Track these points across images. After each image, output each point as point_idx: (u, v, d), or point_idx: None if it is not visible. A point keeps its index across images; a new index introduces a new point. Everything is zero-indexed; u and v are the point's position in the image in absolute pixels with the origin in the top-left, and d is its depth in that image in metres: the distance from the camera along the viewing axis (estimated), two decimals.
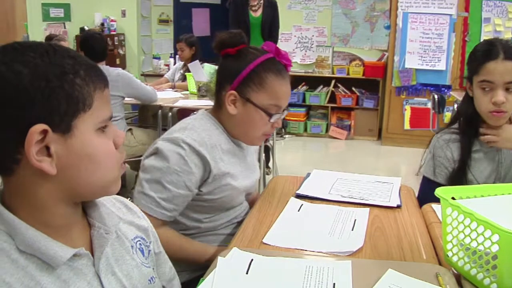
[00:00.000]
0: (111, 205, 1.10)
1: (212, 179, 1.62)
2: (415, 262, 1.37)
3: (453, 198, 1.27)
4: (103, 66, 3.85)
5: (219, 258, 1.30)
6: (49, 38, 5.85)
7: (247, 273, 1.25)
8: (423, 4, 6.57)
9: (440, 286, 1.19)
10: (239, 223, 1.74)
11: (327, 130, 7.37)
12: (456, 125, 1.98)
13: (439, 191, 1.27)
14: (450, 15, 6.52)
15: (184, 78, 5.30)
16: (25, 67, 0.82)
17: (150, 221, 1.21)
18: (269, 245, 1.44)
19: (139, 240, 1.12)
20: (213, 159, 1.61)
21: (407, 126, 6.87)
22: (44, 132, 0.83)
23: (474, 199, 1.33)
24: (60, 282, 0.88)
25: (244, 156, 1.79)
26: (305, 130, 7.42)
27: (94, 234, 1.00)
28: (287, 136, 7.34)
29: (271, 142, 5.18)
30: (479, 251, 1.17)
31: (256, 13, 5.44)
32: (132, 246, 1.08)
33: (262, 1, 5.46)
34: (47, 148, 0.85)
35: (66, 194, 0.91)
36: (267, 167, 5.03)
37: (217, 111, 1.71)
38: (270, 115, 1.63)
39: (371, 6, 7.23)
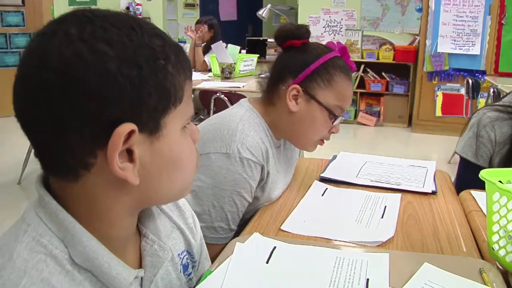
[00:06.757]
0: (164, 207, 0.92)
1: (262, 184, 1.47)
2: (455, 256, 1.20)
3: (500, 182, 1.09)
4: None
5: (236, 243, 1.14)
6: None
7: (267, 262, 1.09)
8: None
9: (486, 284, 1.02)
10: None
11: (355, 116, 7.15)
12: (507, 101, 1.74)
13: (484, 174, 1.10)
14: None
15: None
16: (111, 48, 0.64)
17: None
18: (288, 232, 1.29)
19: (186, 255, 0.95)
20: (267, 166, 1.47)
21: (438, 112, 6.62)
22: (131, 132, 0.66)
23: None
24: None
25: (283, 158, 1.61)
26: None
27: (147, 248, 0.82)
28: None
29: None
30: None
31: None
32: (178, 262, 0.91)
33: None
34: (129, 151, 0.68)
35: (139, 204, 0.75)
36: None
37: (267, 106, 1.51)
38: (334, 117, 1.45)
39: None
